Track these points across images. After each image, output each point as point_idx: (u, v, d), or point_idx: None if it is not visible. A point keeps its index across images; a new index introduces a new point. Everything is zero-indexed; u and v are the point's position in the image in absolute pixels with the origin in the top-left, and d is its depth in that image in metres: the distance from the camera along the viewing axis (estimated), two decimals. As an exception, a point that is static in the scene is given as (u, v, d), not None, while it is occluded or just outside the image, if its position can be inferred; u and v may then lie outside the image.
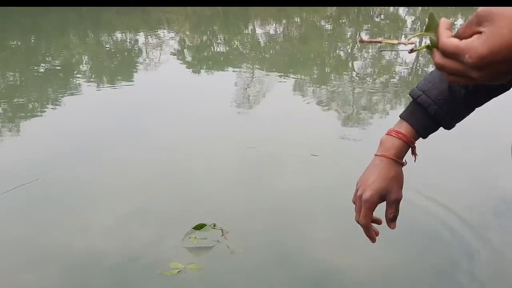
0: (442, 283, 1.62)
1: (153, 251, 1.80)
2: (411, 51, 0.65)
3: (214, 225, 1.94)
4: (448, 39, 0.58)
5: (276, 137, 3.00)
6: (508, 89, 0.87)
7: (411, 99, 0.93)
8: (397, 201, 0.93)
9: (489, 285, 1.62)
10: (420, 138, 0.94)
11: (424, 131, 0.93)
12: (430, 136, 0.93)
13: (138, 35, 7.70)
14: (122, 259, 1.75)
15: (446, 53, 0.58)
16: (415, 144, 0.93)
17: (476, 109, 0.91)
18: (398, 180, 0.93)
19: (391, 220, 0.93)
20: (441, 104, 0.91)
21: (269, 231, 1.94)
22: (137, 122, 3.35)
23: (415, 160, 0.94)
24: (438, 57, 0.60)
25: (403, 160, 0.94)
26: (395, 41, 0.66)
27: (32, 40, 7.41)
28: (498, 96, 0.91)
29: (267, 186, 2.35)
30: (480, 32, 0.55)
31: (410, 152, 0.93)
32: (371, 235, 0.95)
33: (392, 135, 0.93)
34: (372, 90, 4.31)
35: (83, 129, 3.23)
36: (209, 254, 1.78)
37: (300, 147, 2.84)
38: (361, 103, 3.94)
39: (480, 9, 0.56)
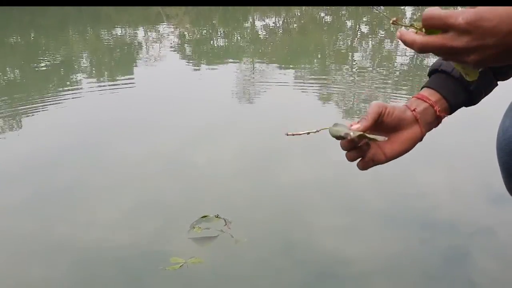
0: (448, 271, 1.62)
1: (156, 243, 1.81)
2: (394, 22, 0.67)
3: (217, 216, 1.95)
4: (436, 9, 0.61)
5: (278, 127, 3.01)
6: None
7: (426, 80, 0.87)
8: None
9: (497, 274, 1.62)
10: None
11: (452, 96, 0.83)
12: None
13: (138, 30, 7.68)
14: (123, 253, 1.75)
15: (434, 19, 0.60)
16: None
17: None
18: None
19: None
20: None
21: (273, 220, 1.95)
22: (139, 115, 3.35)
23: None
24: (421, 36, 0.62)
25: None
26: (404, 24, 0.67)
27: (32, 37, 7.40)
28: None
29: (270, 176, 2.36)
30: None
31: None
32: None
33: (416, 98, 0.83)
34: (373, 80, 4.31)
35: (85, 123, 3.24)
36: (212, 244, 1.79)
37: (303, 137, 2.84)
38: (362, 94, 3.93)
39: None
